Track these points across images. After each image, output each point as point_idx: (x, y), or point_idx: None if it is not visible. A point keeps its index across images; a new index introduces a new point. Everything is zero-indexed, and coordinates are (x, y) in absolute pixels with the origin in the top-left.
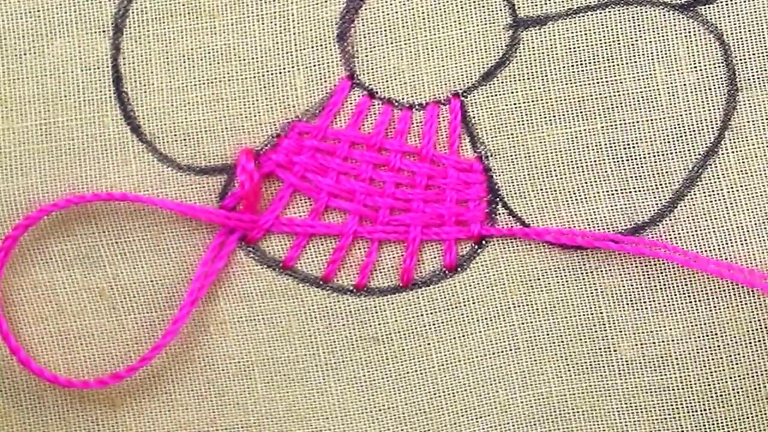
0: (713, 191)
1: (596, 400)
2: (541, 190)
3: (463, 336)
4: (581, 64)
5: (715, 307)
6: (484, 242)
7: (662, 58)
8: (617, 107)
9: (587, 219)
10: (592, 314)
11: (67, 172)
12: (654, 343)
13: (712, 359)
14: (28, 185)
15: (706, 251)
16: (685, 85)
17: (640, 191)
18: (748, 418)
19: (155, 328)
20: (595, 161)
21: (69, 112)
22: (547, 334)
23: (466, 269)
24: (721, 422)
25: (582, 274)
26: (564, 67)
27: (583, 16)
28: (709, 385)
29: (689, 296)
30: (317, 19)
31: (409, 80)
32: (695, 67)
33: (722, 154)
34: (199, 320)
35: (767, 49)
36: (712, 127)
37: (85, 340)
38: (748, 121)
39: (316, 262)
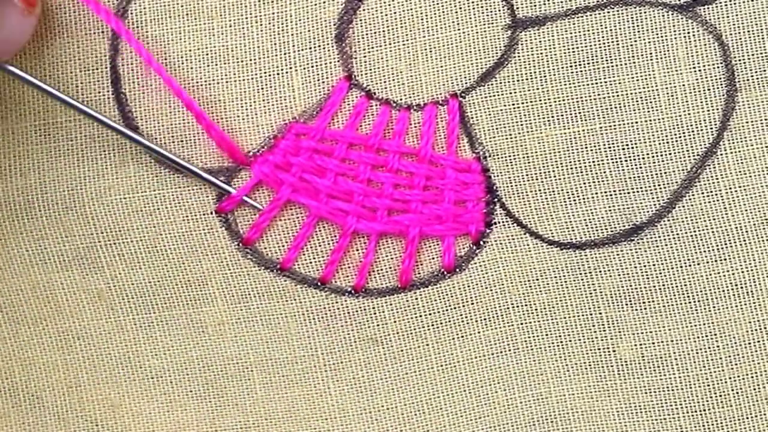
0: (712, 192)
1: (596, 400)
2: (540, 190)
3: (463, 337)
4: (580, 65)
5: (715, 307)
6: (482, 243)
7: (661, 58)
8: (616, 108)
9: (586, 219)
10: (592, 314)
11: (65, 173)
12: (654, 343)
13: (713, 360)
14: (27, 186)
15: (704, 252)
16: (684, 85)
17: (638, 192)
18: (748, 418)
19: (153, 329)
20: (593, 162)
21: (68, 113)
22: (547, 335)
23: (464, 270)
24: (722, 423)
25: (582, 274)
26: (563, 67)
27: (582, 16)
28: (709, 385)
29: (689, 297)
30: (315, 20)
31: (407, 81)
32: (694, 67)
33: (721, 154)
34: (197, 322)
35: (766, 50)
36: (711, 128)
37: (83, 341)
38: (747, 122)
39: (314, 264)
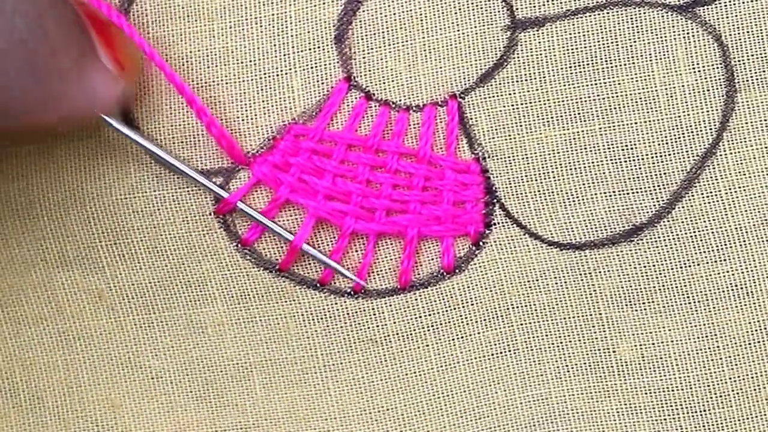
0: (711, 193)
1: (596, 401)
2: (539, 191)
3: (462, 337)
4: (579, 66)
5: (715, 307)
6: (481, 244)
7: (661, 59)
8: (615, 109)
9: (585, 220)
10: (592, 315)
11: (66, 173)
12: (654, 344)
13: (713, 360)
14: (28, 186)
15: (704, 252)
16: (683, 86)
17: (638, 192)
18: (749, 418)
19: (154, 329)
20: (593, 163)
21: None
22: (547, 335)
23: (463, 271)
24: (722, 423)
25: (582, 274)
26: (562, 68)
27: (581, 17)
28: (710, 385)
29: (690, 297)
30: (315, 22)
31: (406, 82)
32: (694, 68)
33: (720, 155)
34: (197, 322)
35: (766, 51)
36: (711, 129)
37: (84, 341)
38: (747, 123)
39: (313, 265)
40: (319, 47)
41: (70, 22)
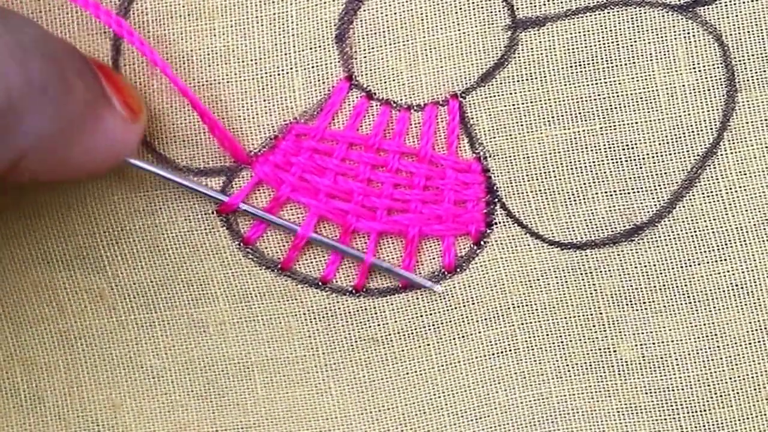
0: (712, 192)
1: (597, 400)
2: (540, 191)
3: (463, 337)
4: (580, 65)
5: (715, 307)
6: (482, 243)
7: (661, 59)
8: (616, 108)
9: (586, 220)
10: (592, 314)
11: None
12: (655, 343)
13: (713, 360)
14: (29, 186)
15: (704, 252)
16: (684, 86)
17: (638, 192)
18: (749, 418)
19: (155, 328)
20: (593, 162)
21: None
22: (548, 335)
23: (464, 270)
24: (722, 423)
25: (582, 274)
26: (563, 68)
27: (582, 17)
28: (710, 385)
29: (690, 297)
30: (316, 21)
31: (407, 81)
32: (694, 68)
33: (721, 155)
34: (199, 321)
35: (766, 51)
36: (711, 128)
37: (85, 341)
38: (747, 122)
39: (315, 263)
40: (320, 46)
41: (83, 69)
